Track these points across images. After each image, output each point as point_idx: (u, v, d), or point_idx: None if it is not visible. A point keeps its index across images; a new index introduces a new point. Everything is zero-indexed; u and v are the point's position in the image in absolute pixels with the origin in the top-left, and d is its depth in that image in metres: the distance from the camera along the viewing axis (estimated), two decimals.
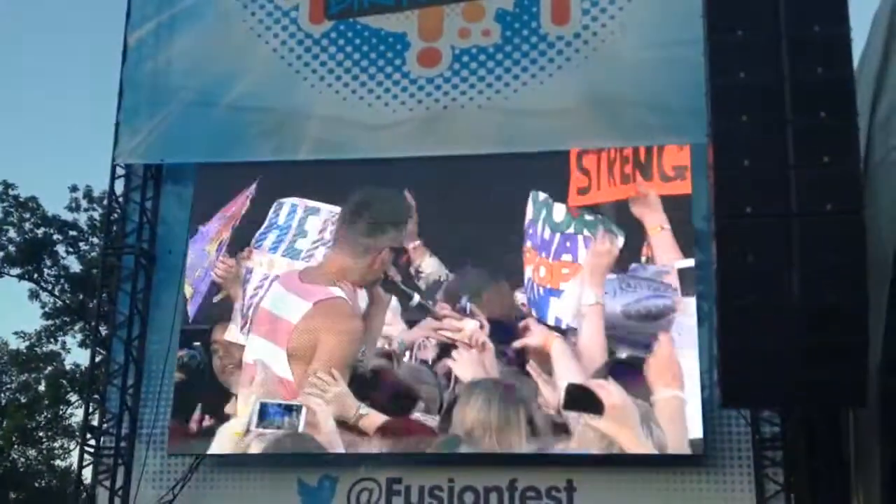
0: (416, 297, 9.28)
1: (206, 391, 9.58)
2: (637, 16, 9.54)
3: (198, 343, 9.66)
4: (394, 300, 9.34)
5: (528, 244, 9.35)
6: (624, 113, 9.30)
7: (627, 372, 8.56)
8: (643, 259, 9.01)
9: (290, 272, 9.54)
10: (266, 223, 9.83)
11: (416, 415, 9.03)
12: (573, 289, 9.04)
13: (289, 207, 9.82)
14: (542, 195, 9.37)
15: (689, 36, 7.88)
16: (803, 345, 6.32)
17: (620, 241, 9.09)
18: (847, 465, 8.88)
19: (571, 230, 9.22)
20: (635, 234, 9.09)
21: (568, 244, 9.19)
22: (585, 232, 9.18)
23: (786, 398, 6.96)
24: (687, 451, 8.52)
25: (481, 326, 9.12)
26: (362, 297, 9.33)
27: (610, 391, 8.24)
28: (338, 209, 9.60)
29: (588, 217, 9.23)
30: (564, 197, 9.34)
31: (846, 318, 6.28)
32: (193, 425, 9.45)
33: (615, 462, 8.63)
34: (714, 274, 6.71)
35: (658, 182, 9.18)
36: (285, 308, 9.28)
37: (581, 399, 8.22)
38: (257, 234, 9.80)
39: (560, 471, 8.87)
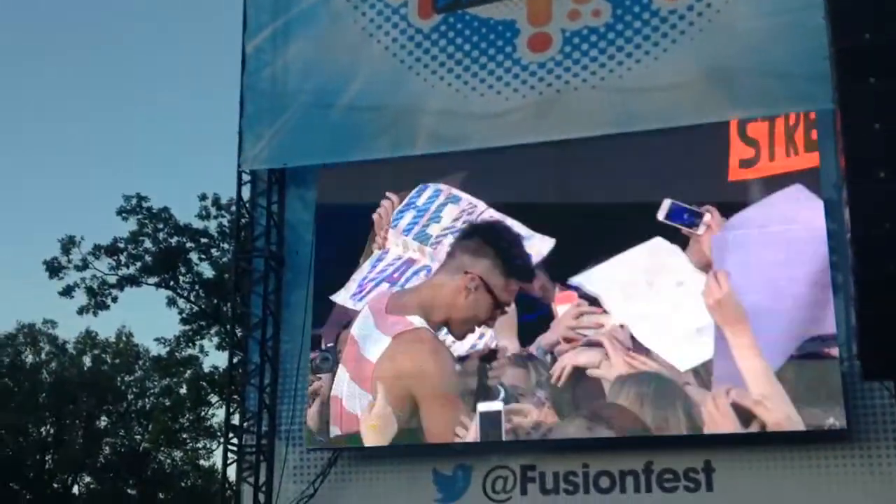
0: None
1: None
2: None
3: (331, 343, 9.81)
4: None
5: None
6: (743, 83, 9.05)
7: None
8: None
9: (380, 295, 9.55)
10: (406, 201, 9.96)
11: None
12: None
13: (432, 191, 9.92)
14: None
15: (806, 0, 7.65)
16: None
17: None
18: None
19: None
20: None
21: None
22: None
23: None
24: (826, 426, 8.27)
25: (621, 326, 8.89)
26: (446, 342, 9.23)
27: (769, 408, 8.10)
28: (477, 202, 9.65)
29: None
30: (724, 171, 9.01)
31: None
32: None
33: (755, 441, 8.48)
34: (849, 243, 6.48)
35: None
36: (368, 344, 9.29)
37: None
38: (395, 212, 9.94)
39: (697, 452, 8.73)
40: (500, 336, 9.23)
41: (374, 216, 9.95)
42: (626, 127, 9.36)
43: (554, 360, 9.01)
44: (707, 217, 8.90)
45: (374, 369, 9.19)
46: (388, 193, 9.98)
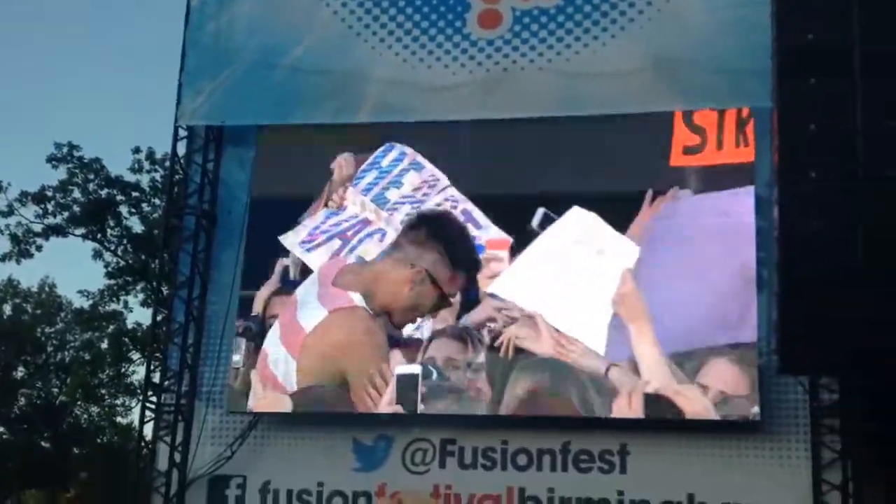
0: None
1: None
2: None
3: (255, 313, 9.69)
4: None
5: None
6: (688, 75, 9.14)
7: None
8: None
9: (333, 263, 9.49)
10: (371, 160, 9.88)
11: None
12: None
13: (397, 153, 9.83)
14: None
15: None
16: (866, 312, 6.20)
17: None
18: None
19: None
20: None
21: None
22: None
23: (846, 366, 6.85)
24: (743, 417, 8.45)
25: (541, 313, 8.90)
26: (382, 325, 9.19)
27: (689, 398, 8.20)
28: (441, 175, 9.60)
29: None
30: (666, 156, 9.09)
31: None
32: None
33: (670, 427, 8.63)
34: (775, 240, 6.61)
35: None
36: (305, 311, 9.24)
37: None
38: (359, 171, 9.86)
39: (614, 435, 8.86)
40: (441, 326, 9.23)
41: (334, 166, 9.83)
42: (571, 110, 9.39)
43: (493, 337, 9.01)
44: None
45: (305, 338, 9.14)
46: (344, 155, 9.88)
